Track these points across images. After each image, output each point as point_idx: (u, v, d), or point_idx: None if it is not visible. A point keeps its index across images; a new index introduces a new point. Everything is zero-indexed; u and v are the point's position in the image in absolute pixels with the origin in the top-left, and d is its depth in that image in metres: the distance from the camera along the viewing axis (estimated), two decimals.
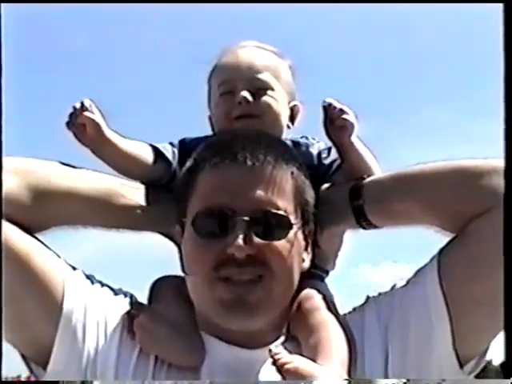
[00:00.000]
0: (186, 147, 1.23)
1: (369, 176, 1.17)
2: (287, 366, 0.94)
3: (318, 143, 1.26)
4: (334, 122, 1.16)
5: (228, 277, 1.03)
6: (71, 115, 1.13)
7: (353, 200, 1.14)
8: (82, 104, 1.13)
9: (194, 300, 1.12)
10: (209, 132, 1.30)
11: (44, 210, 1.10)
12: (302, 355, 1.01)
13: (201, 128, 1.31)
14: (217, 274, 1.04)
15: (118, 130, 1.18)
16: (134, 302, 1.17)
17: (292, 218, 1.07)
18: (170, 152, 1.23)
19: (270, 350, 0.97)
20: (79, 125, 1.13)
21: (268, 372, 1.05)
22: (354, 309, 1.20)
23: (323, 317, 1.11)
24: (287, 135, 1.27)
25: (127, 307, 1.14)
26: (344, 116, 1.16)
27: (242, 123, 1.22)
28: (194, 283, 1.11)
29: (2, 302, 1.04)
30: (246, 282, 1.03)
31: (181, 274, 1.15)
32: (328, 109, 1.16)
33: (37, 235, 1.11)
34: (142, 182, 1.21)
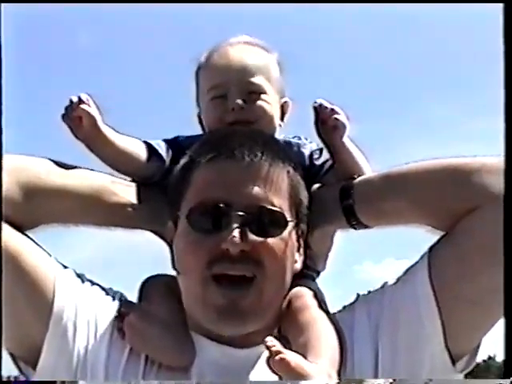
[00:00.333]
0: (179, 145, 1.22)
1: (360, 176, 1.17)
2: (280, 356, 0.92)
3: (311, 144, 1.26)
4: (326, 123, 1.16)
5: (220, 274, 1.03)
6: (67, 108, 1.13)
7: (343, 200, 1.14)
8: (79, 97, 1.12)
9: (186, 303, 1.11)
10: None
11: (35, 208, 1.10)
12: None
13: (196, 126, 1.31)
14: (209, 271, 1.03)
15: (114, 127, 1.18)
16: (124, 301, 1.16)
17: (287, 216, 1.07)
18: (163, 149, 1.22)
19: (266, 341, 0.94)
20: (75, 118, 1.12)
21: (258, 371, 1.05)
22: (344, 307, 1.19)
23: (313, 315, 1.10)
24: (279, 135, 1.26)
25: (117, 306, 1.14)
26: (336, 116, 1.15)
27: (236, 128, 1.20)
28: (186, 284, 1.10)
29: (1, 302, 1.04)
30: (239, 282, 1.03)
31: (172, 273, 1.14)
32: (319, 109, 1.16)
33: (27, 233, 1.11)
34: (134, 180, 1.21)
